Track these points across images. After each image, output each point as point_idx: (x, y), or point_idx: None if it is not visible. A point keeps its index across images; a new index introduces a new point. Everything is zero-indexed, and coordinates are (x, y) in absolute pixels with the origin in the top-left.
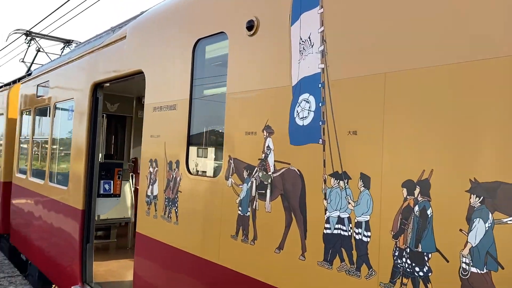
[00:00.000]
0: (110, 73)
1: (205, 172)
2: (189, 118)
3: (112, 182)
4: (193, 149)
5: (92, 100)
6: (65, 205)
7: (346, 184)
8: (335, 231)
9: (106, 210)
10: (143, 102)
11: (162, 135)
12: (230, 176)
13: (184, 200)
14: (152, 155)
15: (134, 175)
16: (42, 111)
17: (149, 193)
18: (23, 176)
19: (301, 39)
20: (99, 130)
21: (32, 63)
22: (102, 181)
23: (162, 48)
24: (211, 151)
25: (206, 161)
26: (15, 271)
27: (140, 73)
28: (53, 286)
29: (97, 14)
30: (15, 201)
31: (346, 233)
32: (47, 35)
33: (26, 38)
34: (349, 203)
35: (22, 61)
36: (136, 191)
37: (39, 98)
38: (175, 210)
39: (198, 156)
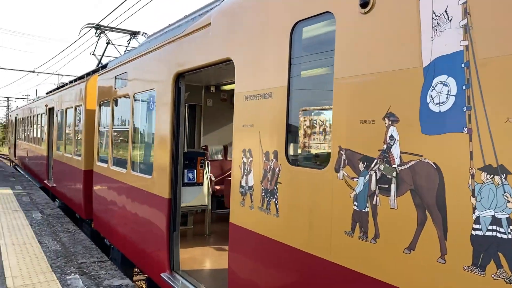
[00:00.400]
0: (193, 62)
1: (308, 162)
2: (287, 106)
3: (195, 171)
4: (292, 139)
5: (175, 90)
6: (150, 193)
7: (503, 180)
8: (489, 233)
9: (190, 198)
10: (212, 90)
11: (256, 125)
12: (341, 168)
13: (284, 191)
14: (246, 145)
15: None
16: (121, 102)
17: (243, 184)
18: (104, 165)
19: (434, 13)
20: (182, 119)
21: (103, 55)
22: (186, 170)
23: (254, 34)
24: (312, 140)
25: (308, 151)
26: (103, 256)
27: (227, 61)
28: (134, 270)
29: (160, 6)
30: (97, 188)
31: (504, 236)
32: (115, 28)
33: (96, 32)
34: (509, 201)
35: (92, 54)
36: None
37: (117, 89)
38: (274, 201)
39: (298, 147)
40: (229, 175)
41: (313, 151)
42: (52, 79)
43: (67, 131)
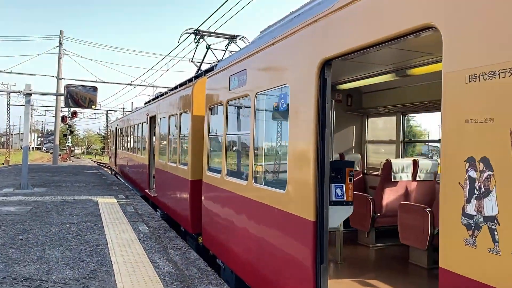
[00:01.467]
0: (353, 42)
1: None
2: None
3: (343, 185)
4: None
5: (319, 82)
6: (284, 212)
7: None
8: None
9: (337, 221)
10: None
11: (498, 119)
12: None
13: None
14: (476, 151)
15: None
16: (238, 104)
17: (471, 211)
18: (217, 175)
19: None
20: (328, 120)
21: (203, 61)
22: (333, 185)
23: None
24: None
25: None
26: (223, 284)
27: (427, 28)
28: None
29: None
30: (207, 201)
31: None
32: (213, 32)
33: (195, 37)
34: None
35: (191, 61)
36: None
37: (233, 90)
38: None
39: None
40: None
41: None
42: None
43: (171, 139)
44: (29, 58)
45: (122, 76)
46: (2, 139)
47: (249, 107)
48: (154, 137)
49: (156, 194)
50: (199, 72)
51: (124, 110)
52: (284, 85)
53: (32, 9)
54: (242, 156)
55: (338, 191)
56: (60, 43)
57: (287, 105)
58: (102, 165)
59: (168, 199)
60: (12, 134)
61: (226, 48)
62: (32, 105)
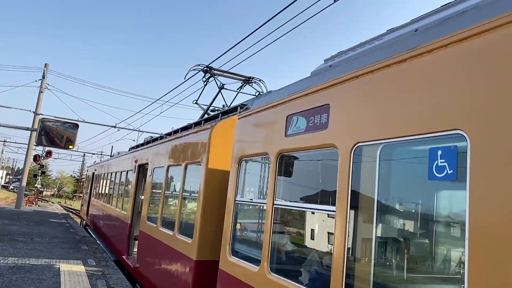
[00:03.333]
0: None
1: None
2: None
3: None
4: None
5: None
6: None
7: None
8: None
9: None
10: None
11: None
12: None
13: None
14: None
15: None
16: (304, 157)
17: None
18: (244, 264)
19: None
20: None
21: (212, 102)
22: None
23: None
24: None
25: None
26: None
27: None
28: None
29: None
30: None
31: None
32: (227, 72)
33: (205, 75)
34: None
35: (195, 103)
36: None
37: (293, 136)
38: None
39: None
40: None
41: None
42: (132, 135)
43: (167, 197)
44: (9, 88)
45: (106, 117)
46: None
47: (334, 163)
48: (142, 190)
49: (138, 265)
50: (205, 117)
51: (103, 154)
52: (451, 134)
53: (19, 38)
54: (296, 230)
55: None
56: (43, 76)
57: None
58: (71, 211)
59: (156, 278)
60: None
61: (239, 91)
62: (4, 141)
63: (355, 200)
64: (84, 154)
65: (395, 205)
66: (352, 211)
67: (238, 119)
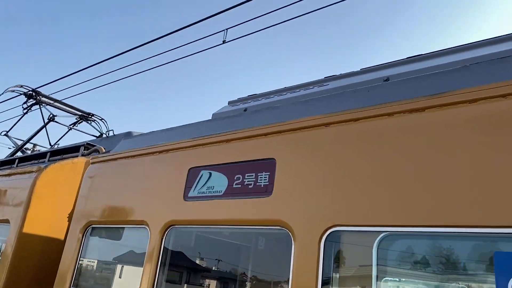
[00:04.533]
0: None
1: None
2: None
3: None
4: None
5: None
6: None
7: None
8: None
9: None
10: None
11: None
12: None
13: None
14: None
15: None
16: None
17: None
18: None
19: None
20: None
21: (31, 138)
22: None
23: None
24: None
25: None
26: None
27: None
28: None
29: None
30: None
31: None
32: (60, 102)
33: (27, 101)
34: None
35: (4, 135)
36: None
37: (199, 199)
38: None
39: None
40: None
41: None
42: None
43: None
44: None
45: None
46: None
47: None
48: None
49: None
50: (21, 154)
51: None
52: None
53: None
54: None
55: None
56: None
57: None
58: None
59: None
60: None
61: (71, 127)
62: None
63: None
64: None
65: None
66: None
67: (91, 163)
